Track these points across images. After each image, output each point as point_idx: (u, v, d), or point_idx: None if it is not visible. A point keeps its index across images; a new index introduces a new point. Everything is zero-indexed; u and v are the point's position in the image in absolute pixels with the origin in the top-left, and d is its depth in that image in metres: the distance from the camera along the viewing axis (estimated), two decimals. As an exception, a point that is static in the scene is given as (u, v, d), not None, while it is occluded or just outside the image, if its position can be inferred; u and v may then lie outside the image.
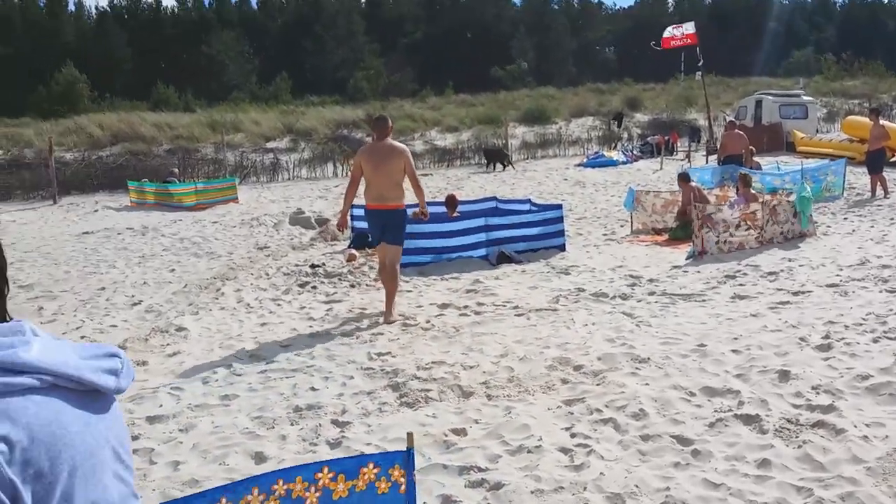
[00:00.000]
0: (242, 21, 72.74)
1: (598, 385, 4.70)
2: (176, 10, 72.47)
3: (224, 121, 34.01)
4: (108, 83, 52.16)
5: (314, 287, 8.76)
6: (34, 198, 21.54)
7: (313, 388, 5.04)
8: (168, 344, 6.60)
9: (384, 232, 6.93)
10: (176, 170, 22.17)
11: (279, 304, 8.02)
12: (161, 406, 4.92)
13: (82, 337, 7.07)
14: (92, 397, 0.94)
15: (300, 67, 63.49)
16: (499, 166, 25.71)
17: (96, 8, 70.66)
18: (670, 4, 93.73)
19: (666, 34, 29.01)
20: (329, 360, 5.73)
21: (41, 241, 14.02)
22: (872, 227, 10.49)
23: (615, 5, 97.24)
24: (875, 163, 13.34)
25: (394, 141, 7.05)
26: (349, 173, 24.82)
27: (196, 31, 64.79)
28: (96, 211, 18.89)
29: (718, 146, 19.29)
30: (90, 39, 62.70)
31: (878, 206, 12.45)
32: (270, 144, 31.18)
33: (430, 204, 11.86)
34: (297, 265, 10.34)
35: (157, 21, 69.65)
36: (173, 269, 10.64)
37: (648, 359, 5.16)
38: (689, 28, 28.53)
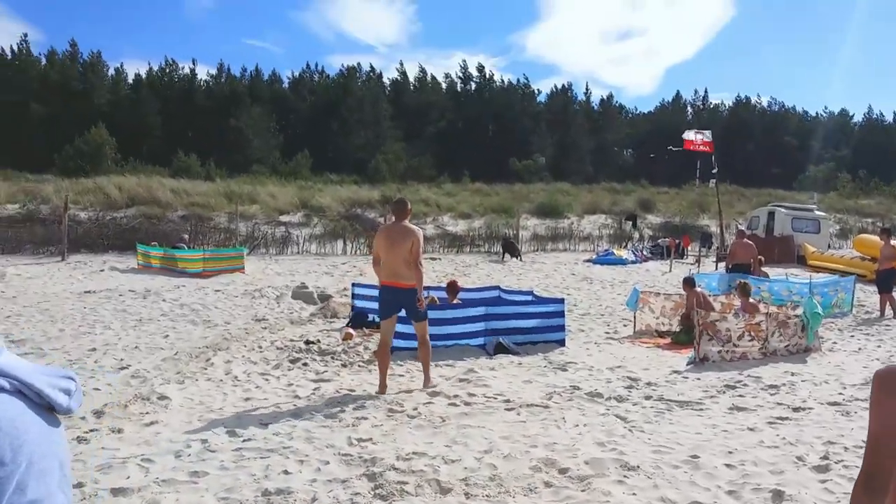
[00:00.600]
0: (273, 98, 74.85)
1: (582, 491, 4.47)
2: (210, 82, 74.77)
3: (241, 191, 34.50)
4: (135, 148, 53.35)
5: (305, 364, 8.60)
6: (44, 253, 21.70)
7: (286, 472, 4.84)
8: (147, 412, 6.42)
9: (401, 310, 7.31)
10: (186, 236, 22.36)
11: (267, 380, 7.85)
12: (128, 478, 4.71)
13: (62, 397, 6.89)
14: (47, 412, 1.02)
15: (323, 146, 64.83)
16: (507, 256, 25.86)
17: (135, 75, 72.40)
18: (689, 113, 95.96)
19: (686, 136, 29.51)
20: (307, 442, 5.53)
21: (42, 297, 13.99)
22: (879, 346, 10.28)
23: (636, 109, 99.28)
24: (885, 282, 13.25)
25: (409, 223, 7.42)
26: (357, 251, 24.94)
27: (226, 104, 66.65)
28: (102, 271, 18.96)
29: (728, 253, 19.29)
30: (124, 105, 64.54)
31: (887, 325, 12.25)
32: (284, 218, 31.48)
33: (432, 289, 11.86)
34: (291, 340, 10.20)
35: (190, 91, 71.81)
36: (167, 335, 10.53)
37: (638, 466, 4.93)
38: (707, 136, 29.04)
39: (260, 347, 9.73)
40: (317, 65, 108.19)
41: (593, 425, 6.06)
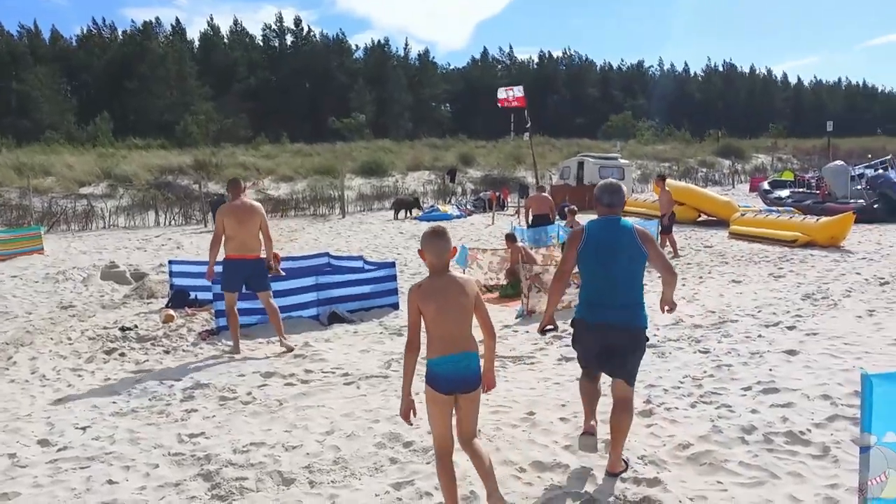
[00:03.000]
0: (59, 56, 68.03)
1: (427, 464, 4.48)
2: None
3: (32, 163, 31.22)
4: None
5: (122, 354, 7.97)
6: None
7: (111, 482, 4.43)
8: (-64, 429, 5.64)
9: (249, 280, 7.93)
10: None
11: (80, 376, 7.19)
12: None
13: None
14: None
15: (123, 109, 60.13)
16: (407, 213, 26.10)
17: None
18: (499, 69, 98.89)
19: (500, 95, 30.34)
20: (132, 444, 5.11)
21: None
22: (683, 285, 11.19)
23: (449, 65, 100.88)
24: (668, 225, 14.44)
25: (250, 200, 8.07)
26: (172, 221, 23.46)
27: (6, 65, 59.70)
28: None
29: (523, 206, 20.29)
30: None
31: (688, 264, 13.40)
32: (84, 190, 28.96)
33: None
34: (105, 327, 9.41)
35: (-42, 51, 63.54)
36: (-44, 333, 9.34)
37: (479, 431, 5.01)
38: (518, 91, 30.04)
39: (69, 339, 8.89)
40: (104, 20, 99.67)
41: (433, 391, 6.10)
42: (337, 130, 61.40)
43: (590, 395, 4.51)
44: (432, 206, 28.24)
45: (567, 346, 7.58)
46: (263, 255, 7.98)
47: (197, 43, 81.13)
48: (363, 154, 44.84)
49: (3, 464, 4.86)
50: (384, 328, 8.97)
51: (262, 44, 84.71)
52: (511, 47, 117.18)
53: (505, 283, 11.47)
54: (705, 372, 6.24)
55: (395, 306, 10.10)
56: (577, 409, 5.40)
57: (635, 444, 4.61)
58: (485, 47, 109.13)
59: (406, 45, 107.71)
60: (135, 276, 13.58)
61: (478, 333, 3.72)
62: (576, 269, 4.41)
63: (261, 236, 7.94)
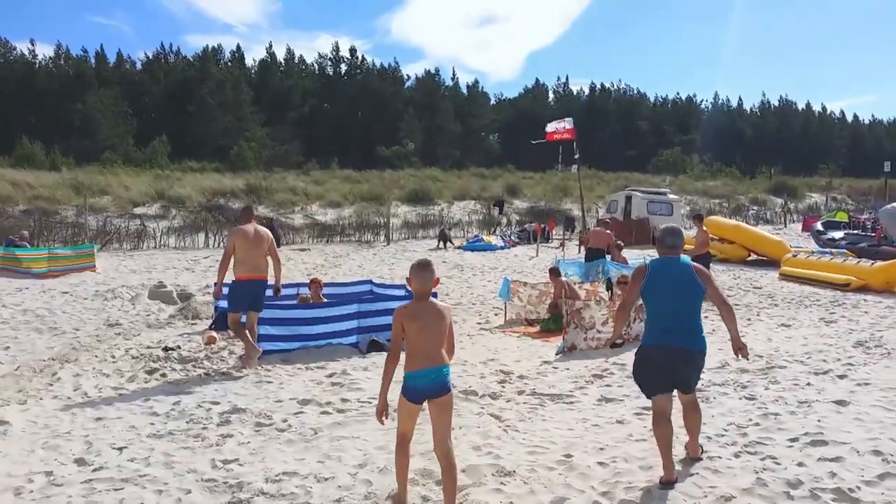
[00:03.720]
0: (122, 80, 70.46)
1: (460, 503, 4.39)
2: (50, 64, 69.32)
3: (90, 182, 32.22)
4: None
5: (163, 374, 8.05)
6: None
7: (142, 505, 4.44)
8: (-20, 442, 5.75)
9: (254, 302, 8.41)
10: (26, 232, 20.57)
11: (121, 395, 7.27)
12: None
13: None
14: None
15: (181, 132, 61.80)
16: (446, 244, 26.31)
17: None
18: (550, 99, 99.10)
19: (549, 128, 30.38)
20: (167, 468, 5.12)
21: None
22: (730, 327, 10.90)
23: (501, 94, 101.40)
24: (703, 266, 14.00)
25: (259, 225, 8.56)
26: (221, 244, 23.88)
27: (71, 88, 62.03)
28: (-70, 274, 17.09)
29: (580, 239, 20.03)
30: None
31: (736, 305, 13.06)
32: (139, 210, 29.72)
33: (302, 286, 11.51)
34: (148, 347, 9.55)
35: (29, 73, 66.25)
36: (8, 347, 9.58)
37: (514, 472, 4.91)
38: (567, 123, 30.02)
39: (113, 357, 9.03)
40: (171, 45, 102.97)
41: (469, 427, 6.01)
42: (386, 158, 62.09)
43: (667, 437, 4.67)
44: (476, 237, 28.23)
45: (608, 385, 7.43)
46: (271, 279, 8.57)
47: (254, 70, 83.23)
48: (410, 182, 45.20)
49: (39, 482, 4.91)
50: (423, 359, 8.90)
51: (316, 72, 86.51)
52: (567, 78, 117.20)
53: (547, 317, 11.33)
54: (751, 420, 6.02)
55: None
56: (616, 453, 5.26)
57: (675, 495, 4.44)
58: (537, 78, 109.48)
59: (453, 75, 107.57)
60: (181, 297, 13.81)
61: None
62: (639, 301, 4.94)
63: (270, 259, 8.50)
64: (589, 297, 11.71)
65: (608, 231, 15.94)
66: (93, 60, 72.69)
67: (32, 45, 72.95)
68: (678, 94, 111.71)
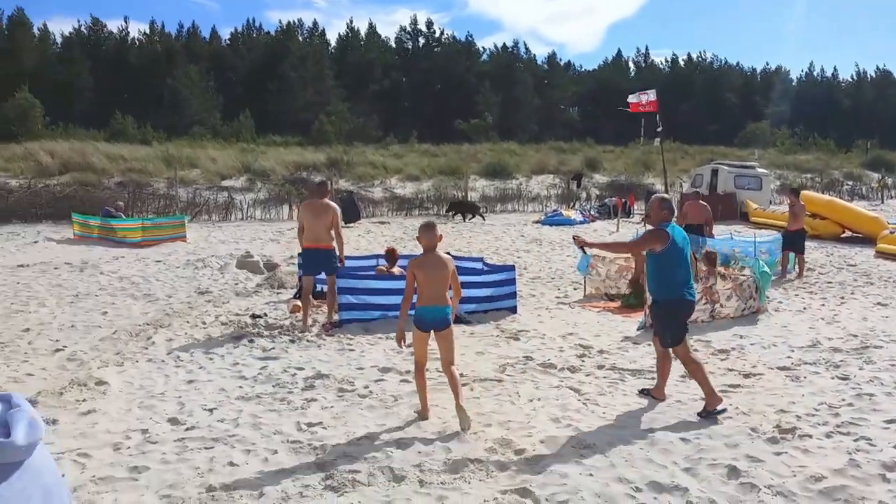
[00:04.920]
0: (210, 56, 72.44)
1: (539, 474, 4.39)
2: (143, 41, 71.93)
3: (180, 156, 33.41)
4: (67, 110, 51.11)
5: (251, 340, 8.32)
6: (-29, 225, 20.65)
7: (232, 464, 4.63)
8: (84, 400, 6.10)
9: (318, 267, 9.09)
10: (121, 203, 21.54)
11: (211, 359, 7.57)
12: (63, 476, 4.43)
13: (-9, 386, 6.53)
14: None
15: (264, 106, 63.19)
16: (463, 216, 25.80)
17: (61, 35, 69.29)
18: (632, 70, 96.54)
19: (632, 99, 29.64)
20: (254, 429, 5.31)
21: (-30, 273, 13.29)
22: (823, 305, 10.48)
23: (580, 66, 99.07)
24: (796, 242, 13.28)
25: (327, 200, 9.25)
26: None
27: (161, 63, 64.23)
28: (36, 242, 18.18)
29: (677, 214, 19.38)
30: (53, 65, 61.64)
31: (829, 283, 12.53)
32: (226, 183, 30.66)
33: (380, 257, 11.66)
34: (237, 314, 9.90)
35: (122, 50, 68.95)
36: (105, 312, 10.10)
37: (594, 444, 4.88)
38: (650, 95, 29.20)
39: (203, 323, 9.40)
40: (254, 20, 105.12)
41: (548, 399, 5.99)
42: (463, 132, 61.93)
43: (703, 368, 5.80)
44: (555, 211, 27.92)
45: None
46: (332, 246, 9.08)
47: (335, 45, 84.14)
48: (488, 156, 44.98)
49: (136, 439, 5.18)
50: (501, 331, 8.92)
51: (395, 46, 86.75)
52: (647, 49, 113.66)
53: (627, 293, 11.14)
54: (843, 400, 5.78)
55: (514, 310, 10.03)
56: (699, 430, 5.15)
57: (762, 473, 4.32)
58: (619, 49, 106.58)
59: (526, 49, 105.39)
60: (267, 267, 14.23)
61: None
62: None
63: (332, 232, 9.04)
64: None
65: (705, 204, 15.21)
66: (183, 36, 74.97)
67: (126, 22, 75.99)
68: (767, 64, 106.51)
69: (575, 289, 12.28)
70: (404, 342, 5.64)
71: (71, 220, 19.38)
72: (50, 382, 6.68)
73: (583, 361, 7.34)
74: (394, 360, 7.40)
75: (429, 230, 5.60)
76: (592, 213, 28.22)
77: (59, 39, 68.46)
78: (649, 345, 8.10)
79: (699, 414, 5.46)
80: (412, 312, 5.55)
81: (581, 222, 25.27)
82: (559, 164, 43.15)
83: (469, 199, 28.93)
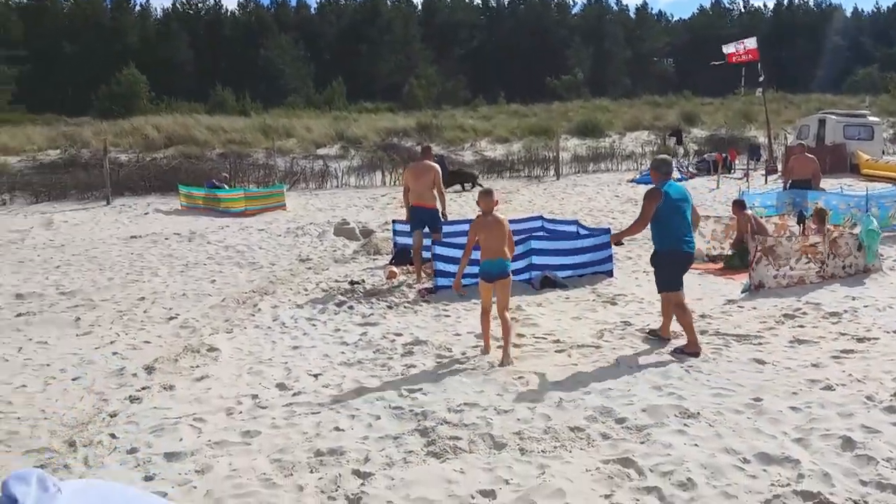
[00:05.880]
0: (300, 25, 73.65)
1: (641, 443, 4.34)
2: (236, 12, 73.90)
3: (277, 126, 34.30)
4: (168, 84, 53.31)
5: (351, 307, 8.54)
6: (88, 198, 21.93)
7: (338, 429, 4.79)
8: (197, 366, 6.44)
9: (423, 223, 9.82)
10: (225, 174, 22.38)
11: (314, 325, 7.82)
12: (181, 440, 4.72)
13: (114, 353, 6.98)
14: None
15: (354, 73, 63.88)
16: (463, 186, 24.04)
17: (162, 10, 72.25)
18: (733, 14, 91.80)
19: (728, 49, 28.27)
20: (357, 394, 5.48)
21: (90, 244, 14.17)
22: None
23: (672, 16, 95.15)
24: None
25: (430, 161, 10.08)
26: (397, 182, 24.68)
27: (254, 34, 65.81)
28: (147, 214, 19.13)
29: (782, 168, 18.53)
30: (153, 40, 64.21)
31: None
32: (321, 151, 31.29)
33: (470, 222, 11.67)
34: (336, 281, 10.16)
35: (217, 22, 71.02)
36: (214, 280, 10.58)
37: (698, 413, 4.77)
38: (750, 43, 27.77)
39: (305, 290, 9.71)
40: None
41: (648, 366, 5.89)
42: (553, 89, 60.80)
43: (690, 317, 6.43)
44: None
45: (801, 326, 6.99)
46: (436, 205, 9.82)
47: (420, 7, 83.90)
48: (579, 114, 44.01)
49: (247, 404, 5.43)
50: (597, 296, 8.80)
51: (480, 5, 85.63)
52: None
53: (730, 253, 10.74)
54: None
55: (610, 273, 9.86)
56: (811, 398, 4.96)
57: (879, 445, 4.12)
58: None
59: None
60: (363, 233, 14.52)
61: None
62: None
63: (435, 192, 9.76)
64: (778, 231, 10.95)
65: (812, 157, 14.43)
66: (273, 5, 76.51)
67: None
68: (877, 3, 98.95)
69: (673, 250, 11.93)
70: (461, 290, 6.91)
71: (177, 191, 20.29)
72: (165, 349, 7.08)
73: (684, 326, 7.15)
74: (490, 325, 7.42)
75: (486, 196, 6.44)
76: (691, 169, 27.23)
77: (158, 15, 71.17)
78: (755, 308, 7.83)
79: (672, 352, 6.21)
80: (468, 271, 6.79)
81: (679, 179, 24.36)
82: (654, 119, 41.79)
83: (559, 159, 28.44)
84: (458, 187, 23.17)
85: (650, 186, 6.64)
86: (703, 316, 7.53)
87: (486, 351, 6.46)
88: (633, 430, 4.53)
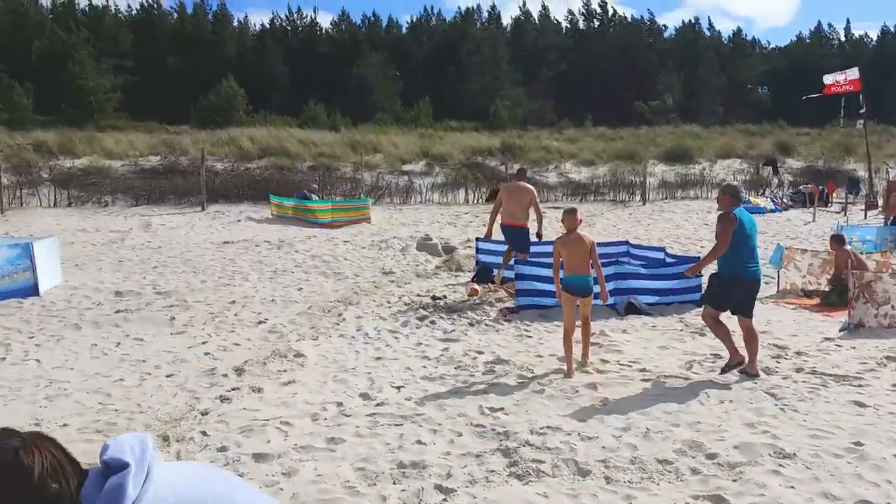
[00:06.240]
0: (391, 43, 75.08)
1: (734, 481, 4.17)
2: (331, 30, 76.01)
3: (365, 141, 35.00)
4: (264, 98, 55.23)
5: (433, 322, 8.59)
6: (185, 203, 22.88)
7: (420, 442, 4.81)
8: (285, 370, 6.60)
9: (511, 241, 10.20)
10: (315, 185, 22.97)
11: (396, 338, 7.90)
12: (269, 442, 4.84)
13: (206, 353, 7.22)
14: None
15: (441, 92, 64.58)
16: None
17: (262, 25, 74.99)
18: (831, 46, 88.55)
19: (827, 80, 27.29)
20: (439, 409, 5.49)
21: (185, 248, 14.77)
22: None
23: (769, 43, 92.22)
24: None
25: (525, 183, 10.48)
26: (479, 200, 24.68)
27: (347, 53, 67.46)
28: (239, 221, 19.79)
29: (883, 203, 17.72)
30: (250, 55, 66.71)
31: None
32: (406, 167, 31.71)
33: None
34: (418, 295, 10.26)
35: (312, 40, 73.18)
36: (301, 288, 10.84)
37: (794, 454, 4.56)
38: (852, 74, 26.72)
39: (388, 302, 9.83)
40: (432, 8, 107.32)
41: (740, 402, 5.68)
42: (642, 114, 59.86)
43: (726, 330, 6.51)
44: (744, 198, 26.29)
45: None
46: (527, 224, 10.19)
47: (508, 29, 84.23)
48: (668, 139, 43.12)
49: (332, 411, 5.52)
50: (685, 325, 8.56)
51: (569, 27, 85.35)
52: (848, 21, 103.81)
53: (828, 289, 10.29)
54: None
55: (698, 303, 9.57)
56: (919, 447, 4.66)
57: None
58: (819, 21, 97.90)
59: (710, 25, 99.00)
60: (445, 249, 14.61)
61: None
62: None
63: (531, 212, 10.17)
64: (880, 268, 10.42)
65: None
66: (367, 25, 78.38)
67: (315, 13, 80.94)
68: None
69: (766, 283, 11.47)
70: (562, 298, 6.84)
71: (269, 201, 20.92)
72: (254, 352, 7.28)
73: (778, 363, 6.88)
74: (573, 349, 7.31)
75: (571, 214, 6.81)
76: (785, 200, 26.30)
77: (255, 31, 74.03)
78: (854, 347, 7.46)
79: (722, 370, 6.36)
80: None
81: (772, 210, 23.64)
82: (747, 147, 40.53)
83: (646, 184, 27.92)
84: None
85: (726, 211, 6.57)
86: (798, 353, 7.22)
87: (568, 374, 6.44)
88: (724, 467, 4.36)
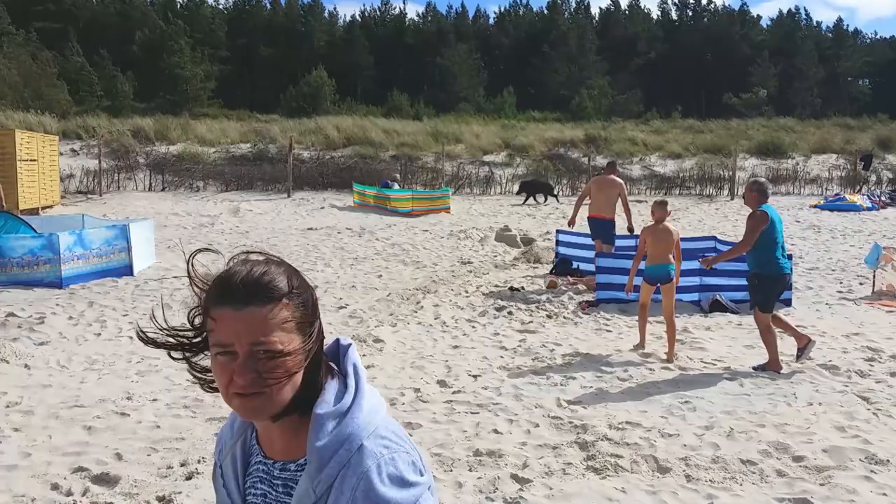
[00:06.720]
0: (477, 34, 75.04)
1: (821, 485, 4.01)
2: (418, 21, 76.59)
3: (447, 131, 35.14)
4: (350, 87, 56.21)
5: (510, 313, 8.58)
6: (272, 190, 23.56)
7: (496, 431, 4.82)
8: (364, 355, 6.71)
9: (597, 233, 10.19)
10: (398, 175, 23.25)
11: (473, 327, 7.93)
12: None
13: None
14: None
15: (525, 83, 64.14)
16: (536, 199, 23.32)
17: (351, 17, 76.53)
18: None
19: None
20: (516, 399, 5.48)
21: (271, 233, 15.22)
22: None
23: (874, 34, 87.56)
24: None
25: (615, 177, 10.47)
26: (560, 192, 24.46)
27: (433, 43, 67.82)
28: (322, 208, 20.26)
29: None
30: (339, 45, 67.95)
31: None
32: (487, 157, 31.68)
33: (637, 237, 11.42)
34: (496, 285, 10.26)
35: (399, 31, 73.94)
36: (381, 275, 11.01)
37: (888, 461, 4.35)
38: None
39: (466, 292, 9.87)
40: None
41: (830, 404, 5.45)
42: (733, 106, 57.83)
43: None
44: (838, 195, 25.11)
45: None
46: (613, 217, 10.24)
47: (597, 18, 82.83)
48: (760, 133, 41.52)
49: (410, 396, 5.59)
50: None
51: (659, 17, 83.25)
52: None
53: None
54: None
55: (788, 303, 9.22)
56: None
57: None
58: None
59: (807, 15, 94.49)
60: (524, 241, 14.55)
61: None
62: None
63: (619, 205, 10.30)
64: None
65: None
66: (453, 16, 78.62)
67: (404, 3, 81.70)
68: None
69: (861, 284, 10.98)
70: (632, 291, 7.20)
71: (352, 189, 21.32)
72: (335, 336, 7.42)
73: (871, 366, 6.56)
74: (652, 345, 7.19)
75: (661, 206, 6.93)
76: (883, 198, 24.95)
77: (343, 22, 75.40)
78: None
79: (754, 367, 6.39)
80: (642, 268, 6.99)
81: (869, 209, 22.48)
82: (845, 142, 38.62)
83: (736, 179, 27.00)
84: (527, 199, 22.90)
85: (755, 210, 6.44)
86: (893, 357, 6.87)
87: (641, 345, 7.01)
88: (811, 471, 4.20)
